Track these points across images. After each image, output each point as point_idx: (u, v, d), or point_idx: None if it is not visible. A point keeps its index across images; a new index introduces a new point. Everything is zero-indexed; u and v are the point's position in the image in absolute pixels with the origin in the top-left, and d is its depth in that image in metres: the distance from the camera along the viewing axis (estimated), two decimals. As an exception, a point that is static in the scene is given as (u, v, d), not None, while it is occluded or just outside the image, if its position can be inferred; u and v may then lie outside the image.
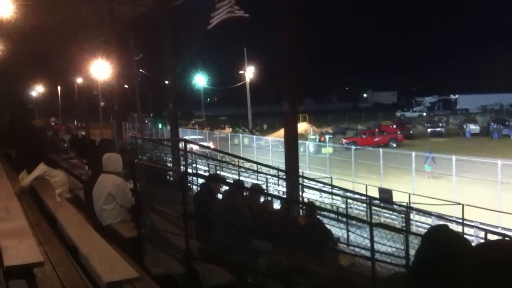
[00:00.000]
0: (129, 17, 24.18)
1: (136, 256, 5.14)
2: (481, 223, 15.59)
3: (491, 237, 10.66)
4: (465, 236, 2.02)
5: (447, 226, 2.13)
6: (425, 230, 2.04)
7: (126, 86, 46.87)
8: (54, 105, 61.47)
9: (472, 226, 14.36)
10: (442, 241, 2.00)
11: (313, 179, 14.90)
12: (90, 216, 6.53)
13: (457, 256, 1.91)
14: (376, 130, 51.72)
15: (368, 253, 6.49)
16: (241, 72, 54.99)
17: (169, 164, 11.97)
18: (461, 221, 15.33)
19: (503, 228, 15.84)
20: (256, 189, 8.47)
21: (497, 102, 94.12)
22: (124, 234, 5.87)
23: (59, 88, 59.39)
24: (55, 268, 4.64)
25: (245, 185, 10.38)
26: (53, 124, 36.31)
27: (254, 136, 41.67)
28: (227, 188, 7.40)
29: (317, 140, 41.62)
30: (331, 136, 46.20)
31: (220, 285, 4.91)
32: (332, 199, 17.82)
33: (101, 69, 27.36)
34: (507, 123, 55.52)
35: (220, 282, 4.92)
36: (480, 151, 32.97)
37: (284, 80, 12.05)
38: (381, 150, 27.86)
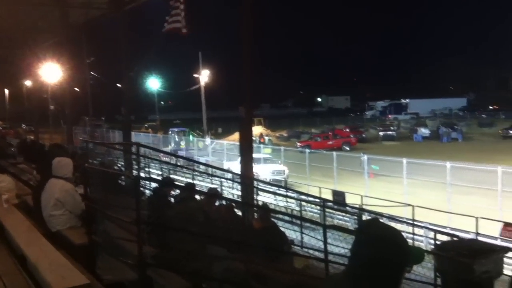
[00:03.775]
0: (82, 20, 23.65)
1: (87, 263, 5.01)
2: (430, 224, 16.01)
3: (440, 237, 10.95)
4: (400, 231, 2.05)
5: (378, 220, 2.16)
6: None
7: (78, 89, 45.83)
8: (2, 108, 59.56)
9: (422, 227, 14.73)
10: (375, 235, 2.02)
11: (267, 182, 14.97)
12: (39, 223, 6.33)
13: (390, 248, 1.95)
14: (330, 133, 52.54)
15: (322, 255, 6.55)
16: (195, 75, 54.68)
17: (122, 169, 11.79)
18: (411, 222, 15.70)
19: (452, 229, 16.31)
20: (211, 193, 8.42)
21: (446, 107, 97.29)
22: (74, 241, 5.71)
23: (6, 91, 57.53)
24: (1, 277, 4.47)
25: (199, 189, 10.32)
26: (0, 128, 35.14)
27: (209, 140, 41.62)
28: (180, 192, 7.32)
29: (257, 141, 43.02)
30: (270, 138, 47.97)
31: (174, 291, 4.83)
32: (287, 202, 17.94)
33: (51, 72, 26.66)
34: (456, 127, 57.44)
35: (175, 288, 4.85)
36: (430, 154, 33.93)
37: (241, 85, 12.06)
38: (334, 153, 28.27)
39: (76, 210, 6.26)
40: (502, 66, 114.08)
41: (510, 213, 17.53)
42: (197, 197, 8.32)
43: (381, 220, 2.17)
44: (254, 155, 29.14)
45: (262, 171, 27.93)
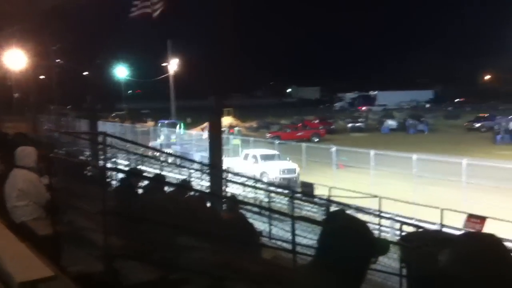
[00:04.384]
0: (49, 5, 23.08)
1: (52, 255, 4.92)
2: (396, 215, 16.28)
3: (406, 228, 11.13)
4: (365, 222, 2.09)
5: (344, 211, 2.20)
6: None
7: (43, 77, 44.84)
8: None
9: (388, 218, 14.95)
10: (341, 226, 2.05)
11: (236, 173, 14.96)
12: (3, 214, 6.19)
13: (355, 240, 1.98)
14: (300, 125, 52.81)
15: (290, 246, 6.60)
16: (164, 64, 54.04)
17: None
18: (378, 213, 15.92)
19: (417, 220, 16.63)
20: (180, 184, 8.37)
21: (414, 99, 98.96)
22: (39, 232, 5.60)
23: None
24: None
25: (168, 180, 10.24)
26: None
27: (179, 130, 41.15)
28: (148, 183, 7.26)
29: (226, 132, 42.43)
30: (240, 128, 47.62)
31: (141, 282, 4.80)
32: (256, 193, 17.97)
33: (16, 59, 26.01)
34: (422, 119, 58.47)
35: (142, 279, 4.82)
36: (397, 145, 34.43)
37: (210, 75, 12.00)
38: (303, 144, 28.47)
39: (41, 201, 6.13)
40: (469, 59, 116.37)
41: (474, 204, 17.96)
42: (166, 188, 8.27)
43: (347, 212, 2.21)
44: (261, 152, 28.17)
45: (270, 169, 26.45)
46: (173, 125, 42.62)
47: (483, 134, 49.14)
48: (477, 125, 54.39)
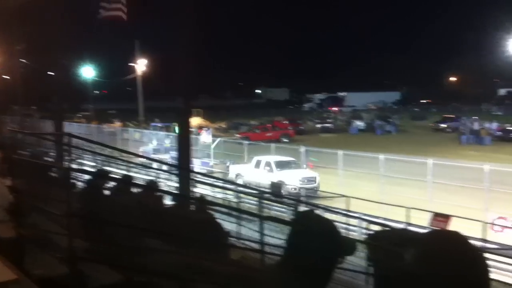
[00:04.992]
0: (13, 4, 22.55)
1: (15, 258, 4.80)
2: (364, 214, 16.46)
3: (373, 227, 11.24)
4: (334, 222, 2.13)
5: (313, 211, 2.21)
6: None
7: (7, 77, 43.77)
8: None
9: (356, 217, 15.09)
10: (309, 226, 2.07)
11: (204, 174, 14.88)
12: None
13: (324, 240, 2.00)
14: (269, 125, 52.94)
15: (258, 246, 6.59)
16: (131, 64, 53.43)
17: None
18: (345, 212, 16.06)
19: (384, 219, 16.85)
20: (147, 186, 8.28)
21: (381, 100, 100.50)
22: (1, 235, 5.45)
23: None
24: None
25: (135, 181, 10.12)
26: None
27: (145, 131, 40.56)
28: (115, 184, 7.15)
29: (195, 133, 41.92)
30: (209, 129, 47.05)
31: (107, 285, 4.72)
32: (225, 193, 17.93)
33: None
34: (389, 120, 59.40)
35: (107, 282, 4.74)
36: (365, 146, 34.83)
37: (178, 75, 11.90)
38: (272, 145, 28.55)
39: (3, 203, 5.97)
40: (434, 61, 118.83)
41: (440, 203, 18.31)
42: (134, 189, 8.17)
43: (316, 212, 2.23)
44: (275, 158, 25.78)
45: (288, 179, 23.84)
46: (167, 129, 39.10)
47: (449, 134, 50.17)
48: (443, 126, 55.51)
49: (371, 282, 1.80)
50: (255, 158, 26.27)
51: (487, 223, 15.02)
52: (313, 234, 2.03)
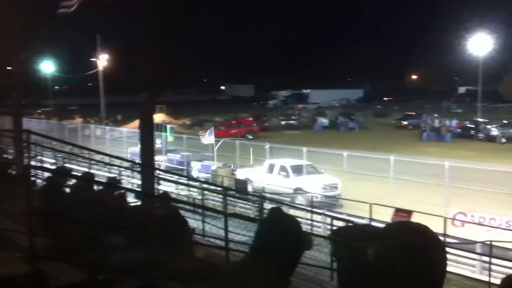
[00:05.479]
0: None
1: (-28, 258, 4.66)
2: (328, 210, 16.66)
3: (337, 223, 11.39)
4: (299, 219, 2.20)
5: (279, 208, 2.24)
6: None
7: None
8: None
9: (320, 213, 15.25)
10: (275, 223, 2.10)
11: (168, 171, 14.76)
12: None
13: (289, 236, 2.04)
14: (234, 122, 52.87)
15: (223, 243, 6.58)
16: (92, 59, 52.48)
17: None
18: (310, 209, 16.22)
19: (348, 215, 17.08)
20: (110, 183, 8.15)
21: (344, 97, 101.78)
22: (-43, 235, 5.29)
23: None
24: None
25: (97, 179, 9.96)
26: None
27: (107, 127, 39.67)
28: (76, 182, 7.02)
29: (159, 129, 41.11)
30: (173, 126, 46.30)
31: (69, 284, 4.62)
32: (189, 190, 17.82)
33: None
34: (353, 117, 60.19)
35: (69, 281, 4.64)
36: (329, 142, 35.14)
37: (141, 70, 11.73)
38: (237, 141, 28.52)
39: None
40: (397, 59, 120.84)
41: (402, 199, 18.64)
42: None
43: (281, 209, 2.25)
44: (290, 162, 23.05)
45: (309, 185, 21.09)
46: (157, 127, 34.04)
47: (410, 131, 51.14)
48: (405, 122, 56.57)
49: (335, 277, 1.81)
50: (267, 162, 23.76)
51: (447, 218, 15.37)
52: (278, 230, 2.05)
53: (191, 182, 15.79)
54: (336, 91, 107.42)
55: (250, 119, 57.87)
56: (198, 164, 25.77)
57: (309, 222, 13.33)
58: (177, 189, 17.07)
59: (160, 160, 26.26)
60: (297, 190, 20.84)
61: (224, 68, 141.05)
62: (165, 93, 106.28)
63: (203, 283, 4.92)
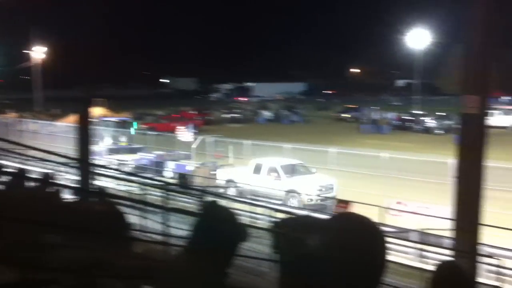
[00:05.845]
0: None
1: None
2: (270, 203, 16.77)
3: (278, 215, 11.44)
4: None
5: (216, 202, 2.24)
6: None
7: None
8: None
9: (261, 206, 15.29)
10: (213, 216, 2.11)
11: (103, 166, 14.35)
12: None
13: (228, 229, 2.07)
14: (176, 116, 52.33)
15: (163, 238, 6.49)
16: (28, 52, 50.60)
17: None
18: (251, 201, 16.26)
19: (291, 207, 17.28)
20: (42, 179, 7.84)
21: (287, 91, 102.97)
22: None
23: None
24: None
25: (30, 175, 9.57)
26: None
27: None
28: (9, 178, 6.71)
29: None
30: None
31: (4, 285, 4.40)
32: (129, 186, 17.44)
33: None
34: (295, 110, 60.98)
35: (4, 282, 4.41)
36: (272, 135, 35.41)
37: (81, 63, 11.40)
38: (154, 133, 28.21)
39: None
40: (339, 53, 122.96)
41: (343, 190, 19.04)
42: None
43: (219, 202, 2.24)
44: (280, 162, 20.72)
45: (303, 187, 19.48)
46: (123, 124, 31.30)
47: (351, 124, 52.32)
48: (345, 115, 57.81)
49: (276, 269, 1.82)
50: (254, 161, 21.49)
51: (385, 207, 15.79)
52: (213, 223, 2.07)
53: (131, 177, 15.45)
54: (279, 84, 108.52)
55: (193, 112, 57.40)
56: (172, 164, 24.17)
57: (252, 215, 13.32)
58: (118, 184, 16.70)
59: (128, 160, 25.00)
60: (290, 193, 19.47)
61: (167, 61, 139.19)
62: (105, 87, 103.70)
63: (143, 279, 4.81)
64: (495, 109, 44.09)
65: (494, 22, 7.33)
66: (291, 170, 20.52)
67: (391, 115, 51.59)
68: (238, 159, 24.40)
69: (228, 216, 2.15)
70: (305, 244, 1.73)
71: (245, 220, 12.14)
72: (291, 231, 2.12)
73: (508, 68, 58.05)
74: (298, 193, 19.19)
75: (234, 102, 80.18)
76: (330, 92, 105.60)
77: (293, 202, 19.09)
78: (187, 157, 25.33)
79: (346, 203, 16.52)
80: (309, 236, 1.74)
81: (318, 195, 19.08)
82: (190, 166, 23.65)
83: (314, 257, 1.64)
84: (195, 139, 26.22)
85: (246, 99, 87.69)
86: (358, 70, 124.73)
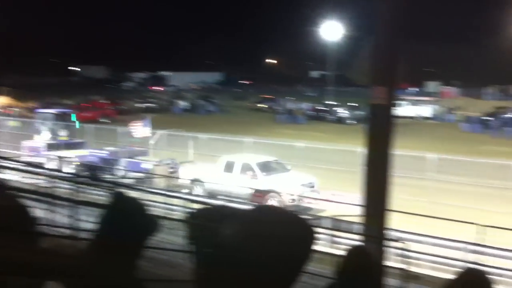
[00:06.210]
0: None
1: None
2: (186, 194, 16.65)
3: (194, 205, 11.39)
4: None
5: (122, 193, 2.20)
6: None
7: None
8: None
9: (177, 197, 15.12)
10: (121, 208, 2.07)
11: (7, 158, 13.55)
12: None
13: (137, 220, 2.05)
14: (87, 105, 50.61)
15: (73, 232, 6.22)
16: None
17: None
18: (166, 193, 16.05)
19: (206, 197, 17.23)
20: None
21: (203, 80, 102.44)
22: None
23: None
24: None
25: None
26: None
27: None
28: None
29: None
30: (19, 109, 43.20)
31: None
32: (36, 178, 16.62)
33: None
34: (211, 100, 60.90)
35: None
36: (188, 126, 35.10)
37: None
38: (92, 126, 27.37)
39: None
40: (255, 43, 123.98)
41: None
42: None
43: (127, 193, 2.17)
44: (256, 159, 18.96)
45: (283, 186, 17.98)
46: (62, 117, 27.65)
47: (267, 114, 53.12)
48: (262, 106, 58.50)
49: (192, 260, 1.79)
50: (224, 158, 19.66)
51: (299, 196, 16.08)
52: (120, 215, 2.03)
53: (39, 170, 14.71)
54: (194, 74, 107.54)
55: (104, 102, 55.67)
56: (124, 162, 22.11)
57: (167, 206, 13.14)
58: (23, 177, 15.86)
59: (71, 157, 22.58)
60: (270, 192, 17.92)
61: (77, 48, 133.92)
62: (10, 76, 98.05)
63: (48, 275, 4.57)
64: (403, 100, 46.27)
65: (402, 16, 7.59)
66: (268, 167, 19.06)
67: (306, 106, 52.84)
68: (153, 150, 23.97)
69: (136, 207, 2.11)
70: (220, 234, 1.70)
71: (160, 211, 11.96)
72: (207, 222, 2.10)
73: (415, 60, 61.09)
74: (278, 193, 17.79)
75: (148, 92, 78.55)
76: (247, 82, 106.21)
77: (273, 202, 17.20)
78: (143, 154, 23.46)
79: (261, 192, 16.70)
80: (225, 226, 1.70)
81: (300, 195, 17.61)
82: (146, 163, 21.84)
83: (229, 248, 1.60)
84: (153, 134, 24.43)
85: (161, 88, 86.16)
86: (275, 61, 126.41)
